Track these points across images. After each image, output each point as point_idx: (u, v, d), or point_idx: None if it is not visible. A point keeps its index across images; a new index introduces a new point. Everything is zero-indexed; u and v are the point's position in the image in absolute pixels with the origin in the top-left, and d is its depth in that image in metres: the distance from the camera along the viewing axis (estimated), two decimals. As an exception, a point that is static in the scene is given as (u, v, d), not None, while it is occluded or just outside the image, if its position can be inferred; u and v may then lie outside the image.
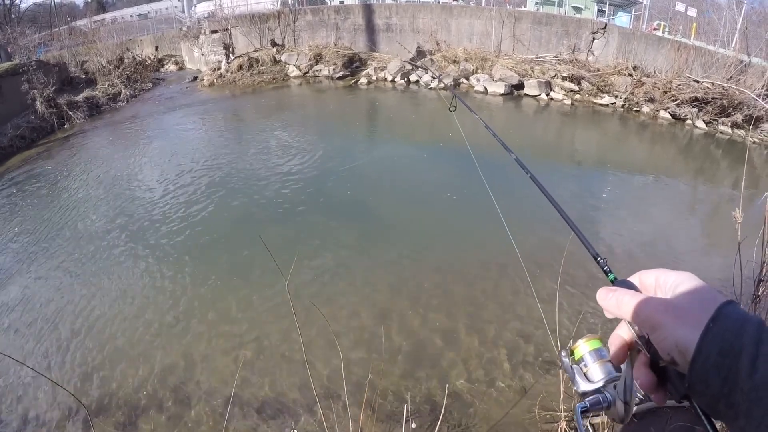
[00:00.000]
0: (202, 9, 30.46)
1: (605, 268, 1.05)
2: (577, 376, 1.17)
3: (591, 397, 1.12)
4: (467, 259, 8.00)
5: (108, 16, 42.95)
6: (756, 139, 15.10)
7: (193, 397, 5.54)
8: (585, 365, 1.17)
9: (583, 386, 1.14)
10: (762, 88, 16.82)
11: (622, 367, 0.95)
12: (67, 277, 8.04)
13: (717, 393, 0.65)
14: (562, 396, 4.42)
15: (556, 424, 4.55)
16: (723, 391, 0.64)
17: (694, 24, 21.73)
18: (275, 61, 24.45)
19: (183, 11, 33.18)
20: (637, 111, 19.24)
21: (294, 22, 25.40)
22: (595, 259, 1.09)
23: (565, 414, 4.51)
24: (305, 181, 11.15)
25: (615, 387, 1.08)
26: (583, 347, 1.19)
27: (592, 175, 12.90)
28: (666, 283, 0.82)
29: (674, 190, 12.10)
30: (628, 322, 0.83)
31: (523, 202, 9.68)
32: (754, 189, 10.95)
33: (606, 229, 9.21)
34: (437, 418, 4.54)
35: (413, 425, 4.92)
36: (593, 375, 1.15)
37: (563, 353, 1.25)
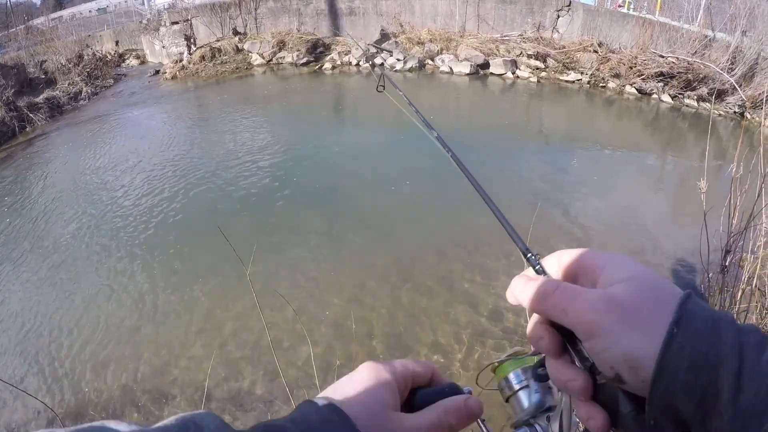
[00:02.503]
0: (161, 0, 29.66)
1: (537, 267, 0.70)
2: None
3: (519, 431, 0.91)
4: (437, 241, 7.81)
5: (66, 12, 41.62)
6: (721, 112, 15.22)
7: (166, 395, 5.40)
8: (509, 389, 0.93)
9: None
10: (726, 62, 16.92)
11: (556, 392, 0.81)
12: (29, 285, 7.67)
13: (686, 419, 0.49)
14: None
15: None
16: (696, 419, 0.48)
17: (659, 0, 21.68)
18: (238, 50, 23.72)
19: (143, 3, 32.14)
20: (603, 87, 19.17)
21: (255, 9, 24.64)
22: (524, 255, 0.74)
23: None
24: (269, 170, 10.82)
25: (548, 419, 0.89)
26: (509, 365, 0.93)
27: (559, 151, 12.79)
28: (596, 267, 0.61)
29: (642, 164, 12.13)
30: (554, 326, 0.60)
31: (490, 177, 9.56)
32: (720, 160, 10.89)
33: (574, 203, 9.07)
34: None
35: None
36: (520, 402, 0.90)
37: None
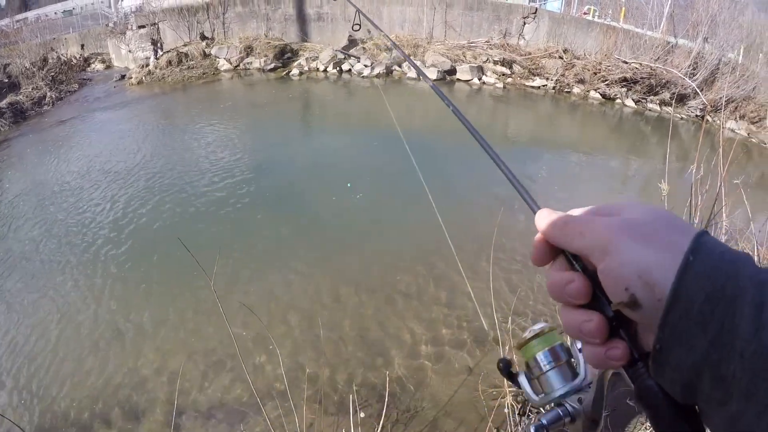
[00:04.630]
0: (129, 3, 28.79)
1: None
2: (526, 384, 0.84)
3: (549, 414, 0.90)
4: (402, 244, 7.63)
5: (31, 14, 40.47)
6: (683, 116, 15.28)
7: (137, 409, 5.15)
8: (539, 369, 0.83)
9: (537, 398, 0.83)
10: (688, 68, 17.19)
11: (585, 371, 0.79)
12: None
13: (699, 361, 0.44)
14: None
15: (502, 399, 4.41)
16: (709, 359, 0.43)
17: (623, 8, 21.81)
18: (205, 56, 22.96)
19: (110, 6, 31.40)
20: (568, 92, 19.23)
21: (224, 14, 23.94)
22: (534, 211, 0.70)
23: (510, 389, 4.36)
24: (233, 178, 10.37)
25: (580, 401, 0.89)
26: (536, 345, 0.83)
27: (524, 156, 12.59)
28: (613, 212, 0.58)
29: (606, 166, 12.18)
30: (569, 255, 0.58)
31: (454, 184, 9.61)
32: (683, 162, 10.84)
33: (545, 203, 8.75)
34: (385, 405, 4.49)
35: (362, 414, 4.78)
36: (550, 384, 0.81)
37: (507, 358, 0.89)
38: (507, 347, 4.45)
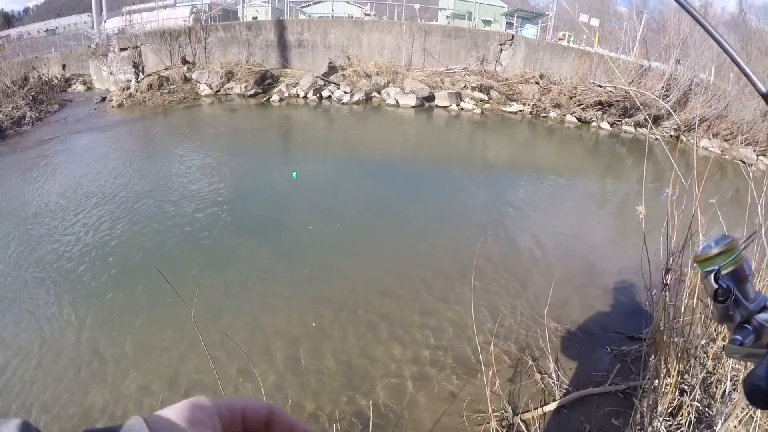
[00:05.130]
0: (112, 25, 28.56)
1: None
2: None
3: (741, 331, 0.87)
4: (383, 269, 7.40)
5: (14, 31, 40.29)
6: (658, 136, 15.34)
7: None
8: (744, 277, 0.85)
9: (751, 306, 0.84)
10: (662, 89, 17.44)
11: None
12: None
13: None
14: (489, 396, 4.19)
15: (487, 425, 4.32)
16: None
17: (597, 33, 22.08)
18: (186, 80, 22.73)
19: (92, 27, 31.18)
20: (544, 116, 19.35)
21: (205, 38, 23.92)
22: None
23: (495, 414, 4.33)
24: (213, 205, 9.99)
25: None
26: (721, 260, 0.84)
27: (503, 180, 12.52)
28: None
29: (584, 189, 12.06)
30: None
31: (434, 209, 9.46)
32: (659, 182, 10.76)
33: (519, 231, 8.78)
34: (368, 434, 4.29)
35: (346, 443, 4.49)
36: (740, 303, 0.84)
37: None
38: (490, 372, 4.39)
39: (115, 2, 29.90)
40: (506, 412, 4.35)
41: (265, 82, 22.75)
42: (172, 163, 13.38)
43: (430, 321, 6.09)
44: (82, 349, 6.03)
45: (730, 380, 3.42)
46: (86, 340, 6.18)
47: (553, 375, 4.78)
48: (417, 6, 27.98)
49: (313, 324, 6.14)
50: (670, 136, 16.11)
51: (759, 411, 2.76)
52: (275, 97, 21.44)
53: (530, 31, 24.59)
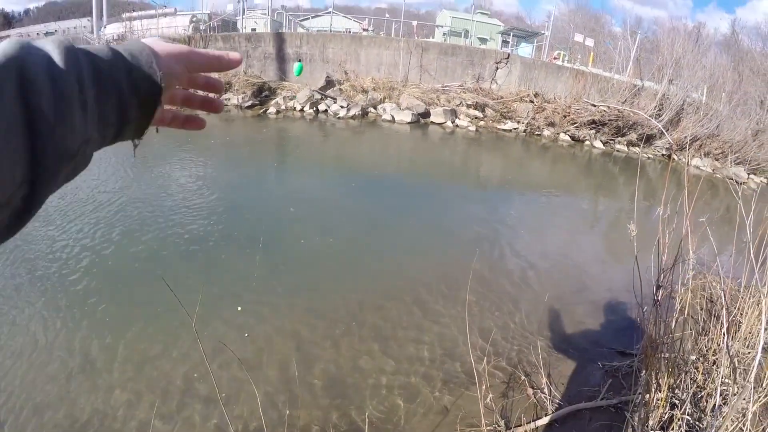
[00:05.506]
0: (111, 31, 28.50)
1: None
2: None
3: None
4: (376, 284, 7.37)
5: (13, 32, 40.38)
6: (650, 155, 15.46)
7: None
8: None
9: None
10: (654, 109, 17.50)
11: None
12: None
13: None
14: (482, 410, 4.16)
15: None
16: None
17: (592, 53, 22.24)
18: (184, 90, 22.99)
19: (92, 32, 31.22)
20: (538, 135, 19.38)
21: (205, 48, 23.86)
22: None
23: (488, 428, 4.31)
24: (211, 216, 9.86)
25: None
26: None
27: (497, 198, 12.53)
28: None
29: (577, 207, 12.09)
30: None
31: (429, 225, 9.49)
32: (651, 200, 10.92)
33: (512, 248, 8.78)
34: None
35: (339, 460, 4.42)
36: None
37: None
38: (483, 386, 4.36)
39: (116, 8, 29.93)
40: (499, 426, 4.33)
41: (263, 93, 22.76)
42: (169, 174, 13.33)
43: (423, 335, 6.08)
44: (75, 354, 5.96)
45: (720, 394, 3.42)
46: (79, 345, 6.10)
47: (545, 390, 4.77)
48: (415, 23, 28.22)
49: (307, 337, 6.13)
50: (663, 155, 16.21)
51: (749, 423, 2.79)
52: (272, 110, 21.44)
53: (526, 49, 24.74)
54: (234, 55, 0.84)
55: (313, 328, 6.24)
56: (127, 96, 0.65)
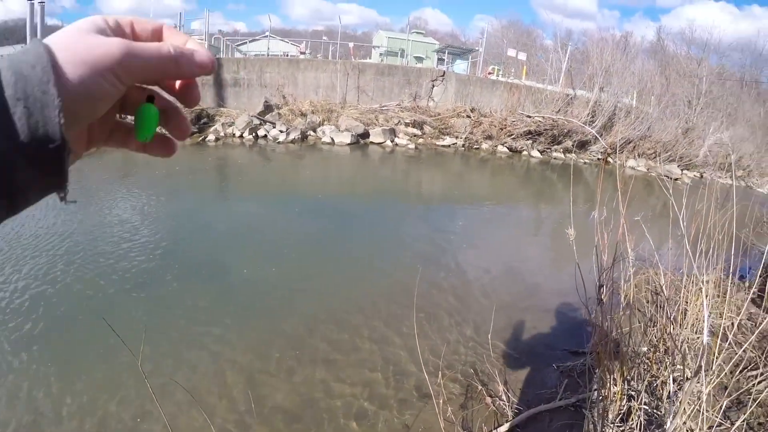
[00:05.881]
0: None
1: None
2: None
3: None
4: (327, 308, 7.24)
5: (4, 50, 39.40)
6: (586, 160, 15.76)
7: None
8: None
9: None
10: (588, 116, 18.02)
11: None
12: None
13: None
14: (442, 424, 4.24)
15: None
16: None
17: (525, 66, 22.67)
18: (117, 120, 22.52)
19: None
20: (477, 149, 19.63)
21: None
22: None
23: None
24: (152, 249, 9.54)
25: None
26: None
27: (439, 212, 12.54)
28: None
29: (518, 215, 12.29)
30: None
31: (372, 244, 9.55)
32: (589, 204, 10.93)
33: (455, 261, 8.79)
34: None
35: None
36: None
37: None
38: (441, 400, 4.36)
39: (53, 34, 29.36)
40: (461, 437, 4.32)
41: (201, 121, 22.37)
42: (107, 207, 12.90)
43: (374, 357, 5.97)
44: (15, 408, 5.68)
45: (674, 381, 3.47)
46: (23, 397, 5.83)
47: (504, 397, 4.76)
48: (351, 44, 28.34)
49: (258, 367, 5.94)
50: (598, 159, 16.60)
51: (704, 405, 2.85)
52: (211, 137, 21.09)
53: (461, 66, 25.15)
54: (201, 54, 0.59)
55: (263, 358, 6.07)
56: (4, 155, 0.46)
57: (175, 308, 7.35)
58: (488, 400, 4.74)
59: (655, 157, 16.93)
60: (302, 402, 5.27)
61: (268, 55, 26.53)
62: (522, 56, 23.15)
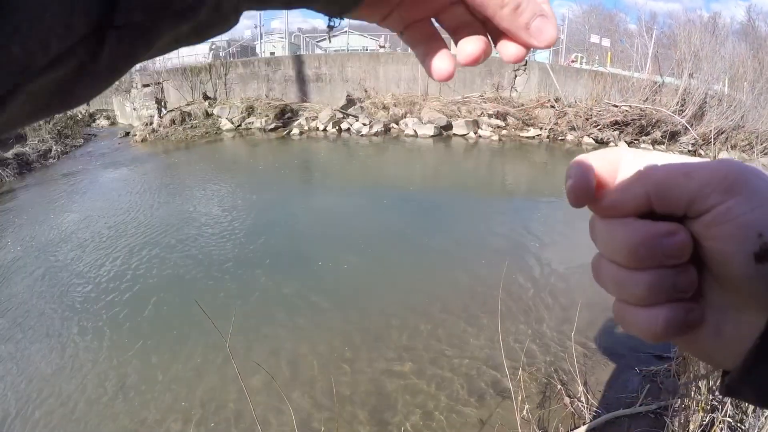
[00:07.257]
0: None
1: None
2: None
3: None
4: (412, 300, 7.33)
5: None
6: (676, 152, 15.17)
7: None
8: None
9: None
10: (677, 105, 17.26)
11: None
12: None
13: None
14: (519, 422, 4.17)
15: None
16: None
17: (609, 53, 22.06)
18: (207, 115, 23.05)
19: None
20: (562, 140, 19.26)
21: (225, 74, 24.22)
22: None
23: None
24: (241, 237, 10.08)
25: None
26: None
27: (525, 207, 12.47)
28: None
29: None
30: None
31: (457, 238, 9.46)
32: None
33: (543, 254, 8.78)
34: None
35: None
36: None
37: None
38: (519, 397, 4.34)
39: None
40: (536, 436, 4.31)
41: (285, 116, 22.91)
42: (196, 198, 13.45)
43: (456, 350, 6.05)
44: (110, 378, 6.00)
45: None
46: (114, 370, 6.15)
47: (582, 398, 4.71)
48: (431, 36, 28.18)
49: (341, 355, 6.11)
50: (689, 151, 16.02)
51: None
52: (295, 131, 21.59)
53: (543, 55, 24.60)
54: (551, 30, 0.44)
55: (347, 347, 6.24)
56: None
57: (262, 294, 7.66)
58: (566, 400, 4.73)
59: (748, 150, 16.20)
60: (379, 392, 5.40)
61: (348, 50, 26.76)
62: (606, 42, 22.49)
